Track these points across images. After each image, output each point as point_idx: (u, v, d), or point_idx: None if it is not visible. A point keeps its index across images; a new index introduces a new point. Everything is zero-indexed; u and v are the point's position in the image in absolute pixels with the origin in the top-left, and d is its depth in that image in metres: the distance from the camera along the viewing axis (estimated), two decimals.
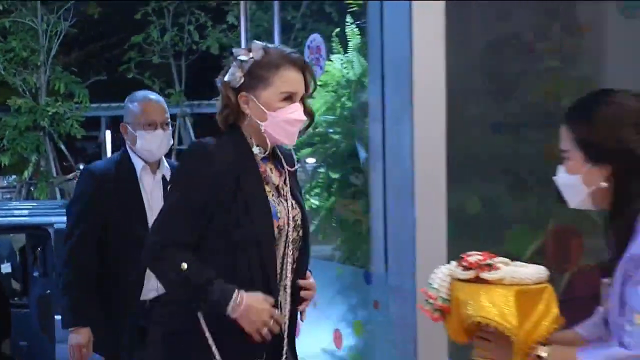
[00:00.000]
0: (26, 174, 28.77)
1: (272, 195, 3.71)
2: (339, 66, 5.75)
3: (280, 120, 3.51)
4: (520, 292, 3.16)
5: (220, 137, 3.60)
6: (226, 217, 3.45)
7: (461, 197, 4.66)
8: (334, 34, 5.20)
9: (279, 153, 3.85)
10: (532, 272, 3.29)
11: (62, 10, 29.18)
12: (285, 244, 3.70)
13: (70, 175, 30.98)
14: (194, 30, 31.08)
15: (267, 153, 3.59)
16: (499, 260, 3.31)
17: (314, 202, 6.23)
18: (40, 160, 29.06)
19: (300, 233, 3.84)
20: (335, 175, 6.02)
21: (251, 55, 3.48)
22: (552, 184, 4.20)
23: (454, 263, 3.35)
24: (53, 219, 9.15)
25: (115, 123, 36.56)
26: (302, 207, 3.85)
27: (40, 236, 9.29)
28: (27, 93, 28.79)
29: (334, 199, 6.00)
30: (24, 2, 28.72)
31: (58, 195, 28.26)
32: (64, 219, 8.73)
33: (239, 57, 3.49)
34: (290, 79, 3.52)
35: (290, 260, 3.76)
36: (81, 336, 5.38)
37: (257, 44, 3.54)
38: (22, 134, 27.85)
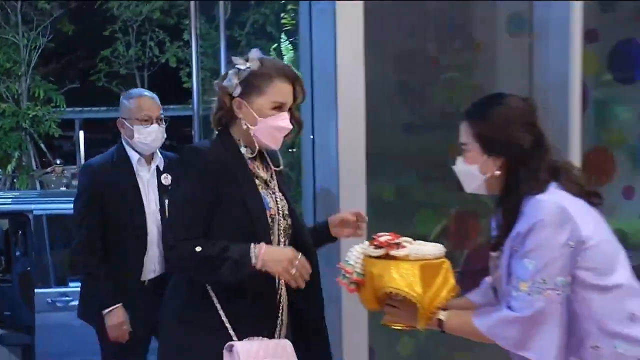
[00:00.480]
0: (9, 168, 28.35)
1: (262, 188, 3.64)
2: None
3: (269, 127, 3.43)
4: (423, 266, 3.23)
5: (211, 140, 3.55)
6: (225, 209, 3.38)
7: (379, 185, 4.71)
8: (271, 48, 5.23)
9: (265, 153, 3.76)
10: (433, 249, 3.38)
11: (40, 27, 29.06)
12: (278, 232, 3.64)
13: (49, 169, 30.99)
14: (155, 46, 31.02)
15: (254, 154, 3.52)
16: (404, 240, 3.37)
17: None
18: (22, 156, 28.81)
19: (289, 222, 3.75)
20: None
21: (248, 64, 3.38)
22: (453, 174, 4.29)
23: (366, 243, 3.40)
24: (32, 206, 9.09)
25: (87, 124, 36.52)
26: (288, 200, 3.78)
27: (21, 221, 9.26)
28: (10, 99, 28.62)
29: None
30: (7, 20, 28.77)
31: (38, 186, 28.10)
32: (43, 206, 8.96)
33: (237, 65, 3.39)
34: (281, 90, 3.43)
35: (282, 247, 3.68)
36: (120, 313, 5.18)
37: (255, 54, 3.45)
38: (7, 133, 27.68)
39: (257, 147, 3.47)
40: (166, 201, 4.29)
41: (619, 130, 5.91)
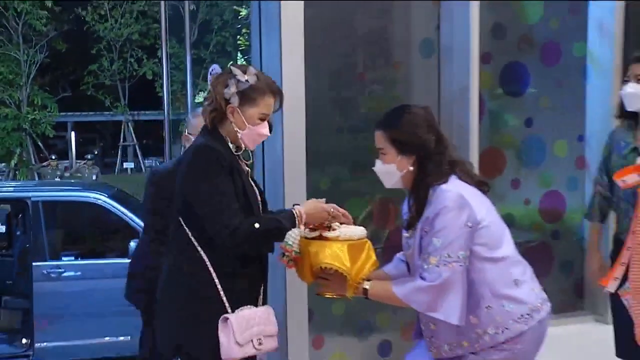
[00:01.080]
0: (12, 163, 28.42)
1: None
2: None
3: (254, 133, 3.31)
4: (350, 245, 3.29)
5: (207, 139, 3.30)
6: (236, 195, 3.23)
7: (316, 177, 4.75)
8: (228, 65, 5.23)
9: None
10: (358, 231, 3.40)
11: (38, 45, 29.05)
12: (259, 212, 3.47)
13: (45, 163, 31.04)
14: (134, 62, 31.01)
15: (240, 152, 3.35)
16: (335, 224, 3.39)
17: None
18: (22, 153, 28.96)
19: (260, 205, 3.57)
20: None
21: (247, 77, 3.22)
22: None
23: (302, 227, 3.36)
24: (30, 194, 9.04)
25: (77, 127, 36.17)
26: (259, 188, 3.64)
27: (21, 206, 9.20)
28: (13, 104, 28.71)
29: None
30: (10, 39, 28.71)
31: (36, 177, 27.90)
32: (39, 194, 8.94)
33: (237, 76, 3.22)
34: (269, 103, 3.30)
35: None
36: None
37: (252, 69, 3.29)
38: (9, 133, 27.90)
39: (242, 147, 3.35)
40: None
41: (508, 134, 5.98)
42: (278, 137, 4.54)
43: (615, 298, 3.79)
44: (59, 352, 8.40)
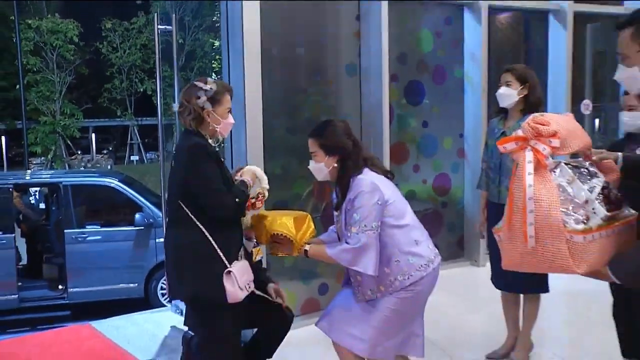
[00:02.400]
0: (49, 156, 28.47)
1: None
2: None
3: (226, 124, 3.26)
4: (296, 217, 3.29)
5: (192, 138, 3.19)
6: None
7: (271, 165, 4.68)
8: (191, 81, 5.14)
9: None
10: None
11: (67, 70, 28.93)
12: None
13: (73, 157, 30.89)
14: (138, 81, 30.70)
15: (218, 144, 3.31)
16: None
17: None
18: (56, 149, 28.91)
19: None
20: None
21: (209, 86, 3.15)
22: None
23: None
24: (62, 179, 9.18)
25: (96, 130, 35.68)
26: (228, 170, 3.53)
27: (55, 188, 9.16)
28: (49, 114, 28.55)
29: None
30: (47, 66, 28.45)
31: (66, 167, 27.68)
32: (69, 179, 9.17)
33: (203, 88, 3.15)
34: (229, 99, 3.26)
35: None
36: None
37: (210, 79, 3.24)
38: (47, 135, 28.22)
39: (222, 139, 3.34)
40: None
41: (410, 133, 5.98)
42: (242, 135, 4.49)
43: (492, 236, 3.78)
44: (85, 295, 8.59)
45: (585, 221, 2.27)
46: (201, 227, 3.11)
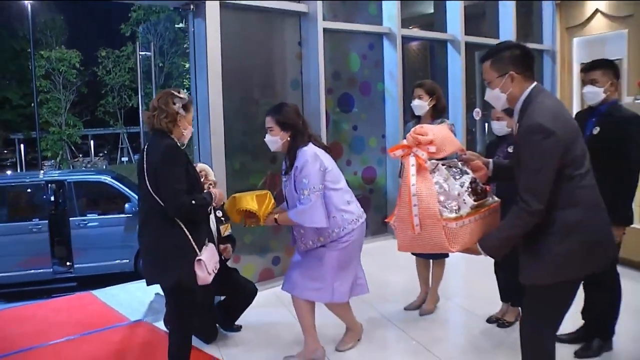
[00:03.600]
0: (57, 159, 28.56)
1: None
2: None
3: (190, 131, 2.97)
4: (257, 195, 3.22)
5: (166, 139, 2.87)
6: (190, 178, 2.87)
7: (231, 161, 4.55)
8: (166, 89, 4.96)
9: None
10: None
11: (71, 89, 28.99)
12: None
13: (76, 159, 30.71)
14: (127, 97, 30.69)
15: (183, 147, 2.97)
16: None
17: None
18: (63, 154, 28.94)
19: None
20: None
21: (183, 95, 2.90)
22: (268, 155, 4.18)
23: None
24: (67, 177, 9.19)
25: (95, 137, 34.90)
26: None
27: (61, 185, 9.02)
28: (57, 125, 28.62)
29: None
30: (55, 86, 28.59)
31: (70, 167, 27.65)
32: (72, 177, 9.21)
33: (179, 96, 2.89)
34: (192, 110, 3.01)
35: None
36: None
37: (182, 90, 2.99)
38: (55, 142, 28.54)
39: (185, 142, 3.01)
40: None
41: (343, 134, 5.92)
42: (207, 138, 4.36)
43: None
44: (87, 269, 8.49)
45: (457, 210, 2.36)
46: (178, 221, 2.81)
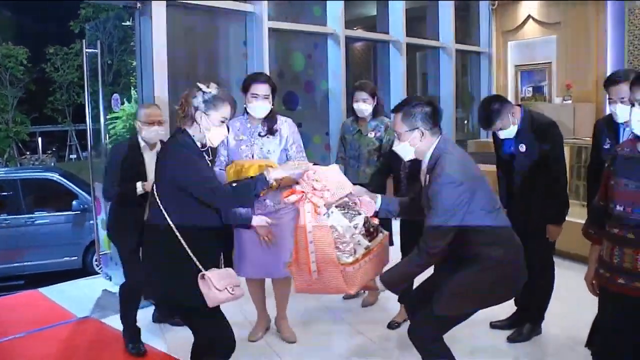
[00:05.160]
0: (5, 157, 27.05)
1: None
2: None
3: (218, 133, 2.47)
4: (260, 165, 3.06)
5: (182, 137, 2.43)
6: None
7: None
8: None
9: None
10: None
11: (18, 86, 27.84)
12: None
13: (23, 157, 30.05)
14: (74, 94, 29.40)
15: (204, 149, 2.49)
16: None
17: None
18: (10, 151, 27.88)
19: None
20: None
21: (209, 90, 2.43)
22: None
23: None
24: (15, 175, 9.22)
25: (43, 134, 33.90)
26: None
27: (10, 182, 8.76)
28: (4, 123, 27.23)
29: None
30: (2, 83, 27.51)
31: (18, 165, 26.45)
32: (20, 174, 9.18)
33: (202, 89, 2.44)
34: (228, 110, 2.47)
35: None
36: None
37: (214, 85, 2.50)
38: (2, 140, 26.76)
39: (207, 145, 2.49)
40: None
41: None
42: None
43: None
44: (36, 267, 8.18)
45: (353, 253, 2.40)
46: (176, 232, 2.36)
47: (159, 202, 2.39)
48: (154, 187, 2.44)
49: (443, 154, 2.38)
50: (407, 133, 2.44)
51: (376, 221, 2.64)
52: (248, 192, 2.46)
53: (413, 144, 2.45)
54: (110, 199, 3.45)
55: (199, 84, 2.50)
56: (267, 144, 3.31)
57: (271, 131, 3.32)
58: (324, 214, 2.43)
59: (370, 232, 2.53)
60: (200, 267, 2.38)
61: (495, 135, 3.50)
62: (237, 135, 3.31)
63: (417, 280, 2.67)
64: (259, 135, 3.31)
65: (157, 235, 2.43)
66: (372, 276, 2.47)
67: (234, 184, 2.48)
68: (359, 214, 2.56)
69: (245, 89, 3.33)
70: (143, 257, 2.59)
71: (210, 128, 2.46)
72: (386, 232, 2.68)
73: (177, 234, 2.36)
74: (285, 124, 3.39)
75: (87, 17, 27.73)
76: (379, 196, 2.70)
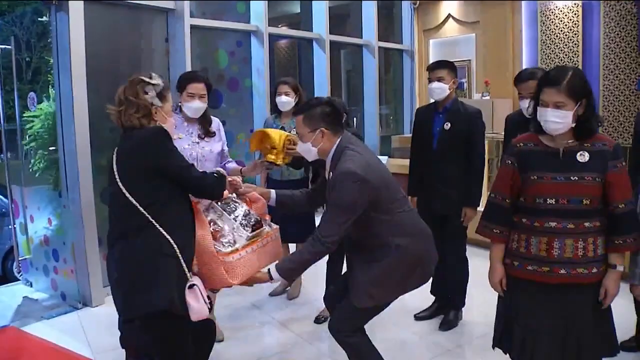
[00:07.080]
0: None
1: None
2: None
3: (171, 123, 2.40)
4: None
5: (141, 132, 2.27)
6: None
7: (97, 157, 4.43)
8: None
9: None
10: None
11: None
12: None
13: None
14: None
15: None
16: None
17: None
18: None
19: None
20: None
21: (156, 81, 2.32)
22: None
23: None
24: None
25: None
26: None
27: None
28: None
29: None
30: None
31: None
32: None
33: (152, 83, 2.31)
34: (171, 97, 2.43)
35: None
36: None
37: (154, 74, 2.39)
38: None
39: None
40: None
41: None
42: (72, 135, 4.27)
43: None
44: None
45: (232, 244, 2.43)
46: (161, 230, 2.18)
47: (135, 203, 2.21)
48: (121, 187, 2.24)
49: (345, 150, 2.46)
50: (309, 134, 2.51)
51: (266, 217, 2.72)
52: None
53: (315, 143, 2.52)
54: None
55: (142, 78, 2.35)
56: (209, 143, 3.39)
57: (208, 132, 3.41)
58: (205, 208, 2.51)
59: (253, 225, 2.56)
60: (189, 275, 2.22)
61: (421, 114, 3.77)
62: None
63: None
64: (199, 137, 3.37)
65: (142, 242, 2.21)
66: (257, 268, 2.49)
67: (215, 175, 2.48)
68: (241, 206, 2.61)
69: (181, 88, 3.35)
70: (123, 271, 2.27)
71: (166, 120, 2.38)
72: (275, 226, 2.72)
73: (165, 234, 2.19)
74: (219, 123, 3.53)
75: (2, 10, 26.27)
76: (272, 191, 2.79)
